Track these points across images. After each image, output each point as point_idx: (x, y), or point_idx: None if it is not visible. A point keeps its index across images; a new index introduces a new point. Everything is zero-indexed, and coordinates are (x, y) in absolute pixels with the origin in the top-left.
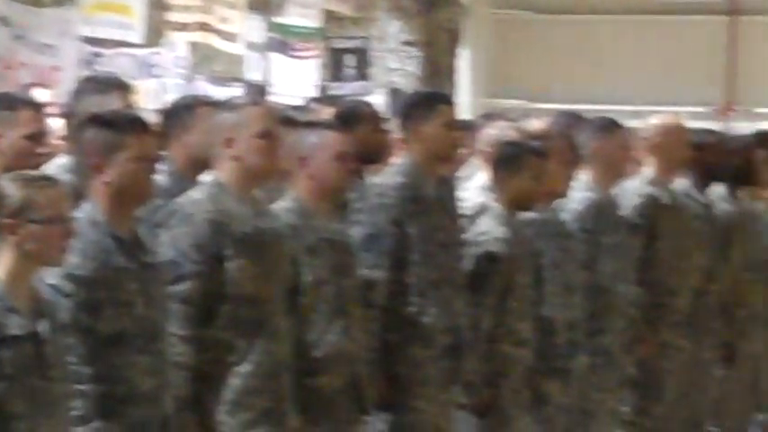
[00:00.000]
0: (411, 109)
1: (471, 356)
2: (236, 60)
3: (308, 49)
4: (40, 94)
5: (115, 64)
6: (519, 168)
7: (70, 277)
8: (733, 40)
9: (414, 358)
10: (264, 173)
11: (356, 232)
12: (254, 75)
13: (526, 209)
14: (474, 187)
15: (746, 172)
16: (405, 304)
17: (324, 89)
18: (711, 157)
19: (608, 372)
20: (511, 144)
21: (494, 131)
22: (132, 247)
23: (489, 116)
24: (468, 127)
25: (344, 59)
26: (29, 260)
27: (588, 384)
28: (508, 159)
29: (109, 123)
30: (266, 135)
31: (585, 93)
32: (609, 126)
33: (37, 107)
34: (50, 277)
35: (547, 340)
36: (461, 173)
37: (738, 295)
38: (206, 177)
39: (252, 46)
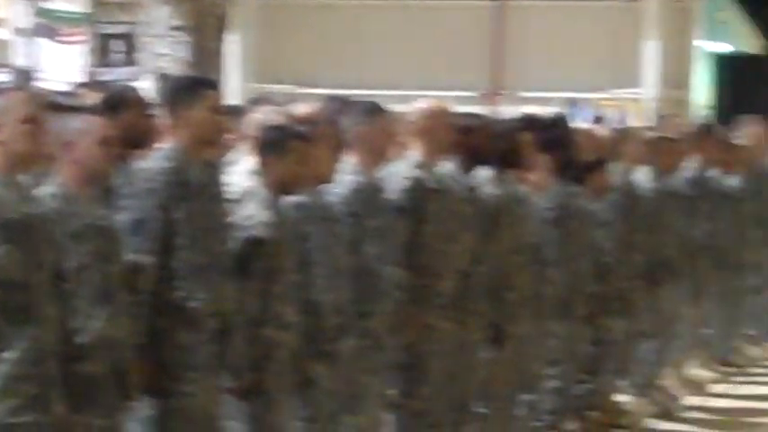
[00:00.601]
0: (176, 94)
1: (238, 341)
2: (3, 46)
3: (75, 35)
4: None
5: None
6: (283, 152)
7: None
8: (499, 26)
9: (181, 343)
10: (30, 158)
11: (123, 217)
12: (20, 60)
13: (291, 193)
14: (241, 172)
15: (512, 155)
16: (172, 289)
17: (92, 74)
18: (477, 141)
19: (375, 355)
20: (275, 128)
21: (260, 116)
22: None
23: (257, 101)
24: (235, 112)
25: (112, 45)
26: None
27: (355, 367)
28: (273, 144)
29: None
30: (31, 120)
31: (353, 78)
32: (373, 110)
33: None
34: None
35: (313, 323)
36: (228, 157)
37: (505, 277)
38: None
39: (18, 31)
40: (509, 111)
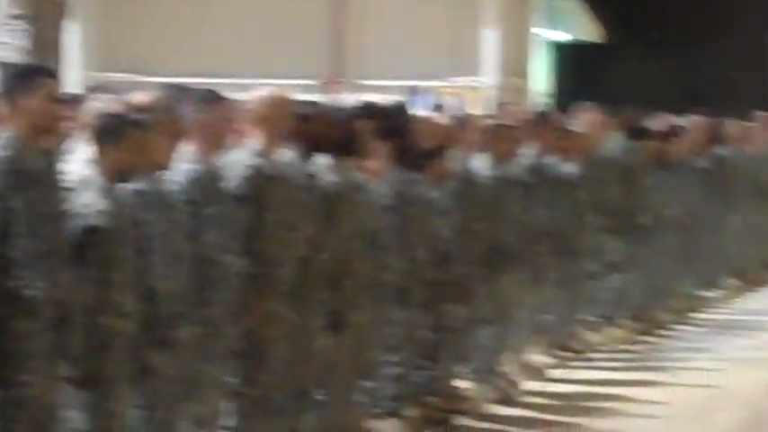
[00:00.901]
0: (14, 82)
1: (76, 329)
2: None
3: None
4: None
5: None
6: (119, 140)
7: None
8: (339, 13)
9: (19, 332)
10: None
11: None
12: None
13: (129, 181)
14: (78, 160)
15: (350, 143)
16: (9, 278)
17: None
18: (315, 129)
19: (214, 342)
20: (111, 116)
21: (98, 104)
22: None
23: (96, 89)
24: (74, 100)
25: None
26: None
27: (194, 355)
28: (109, 131)
29: None
30: None
31: (193, 66)
32: (212, 98)
33: None
34: None
35: (152, 311)
36: (66, 146)
37: (345, 265)
38: None
39: None
40: (349, 99)
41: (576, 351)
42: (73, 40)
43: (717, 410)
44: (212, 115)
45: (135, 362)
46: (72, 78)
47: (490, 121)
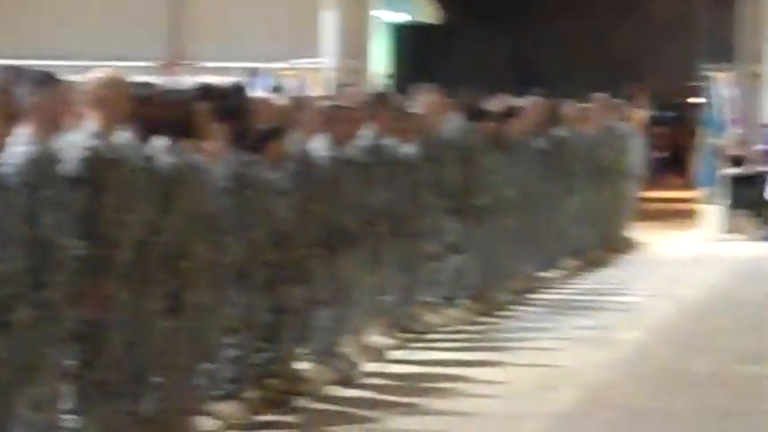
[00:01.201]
0: None
1: None
2: None
3: None
4: None
5: None
6: None
7: None
8: None
9: None
10: None
11: None
12: None
13: None
14: None
15: (187, 125)
16: None
17: None
18: (152, 110)
19: (51, 325)
20: None
21: None
22: None
23: None
24: None
25: None
26: None
27: (31, 338)
28: None
29: None
30: None
31: (28, 47)
32: (47, 80)
33: None
34: None
35: None
36: None
37: (182, 247)
38: None
39: None
40: (188, 81)
41: (415, 332)
42: None
43: (555, 389)
44: (48, 97)
45: None
46: None
47: (328, 103)
